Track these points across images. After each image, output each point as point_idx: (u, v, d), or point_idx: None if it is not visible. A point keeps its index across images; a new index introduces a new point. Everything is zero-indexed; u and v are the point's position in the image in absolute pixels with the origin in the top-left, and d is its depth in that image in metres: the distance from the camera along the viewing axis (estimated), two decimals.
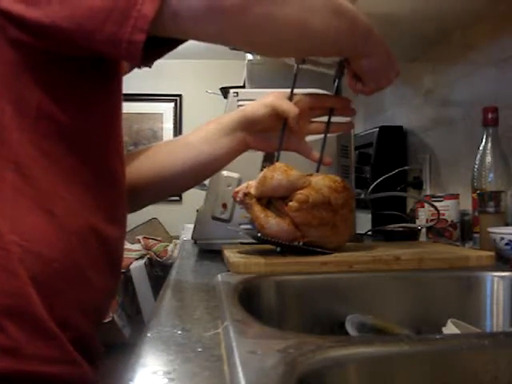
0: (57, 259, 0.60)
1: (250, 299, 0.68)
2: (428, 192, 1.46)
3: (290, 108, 0.84)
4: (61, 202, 0.61)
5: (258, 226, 0.84)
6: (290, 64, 0.88)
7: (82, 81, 0.63)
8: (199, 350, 0.43)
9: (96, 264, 0.65)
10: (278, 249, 0.88)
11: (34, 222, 0.59)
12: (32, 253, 0.58)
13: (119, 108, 0.70)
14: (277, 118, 0.85)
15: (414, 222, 1.26)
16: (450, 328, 0.67)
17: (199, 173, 0.87)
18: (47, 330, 0.59)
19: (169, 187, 0.88)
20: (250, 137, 0.86)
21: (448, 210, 1.13)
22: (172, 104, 4.22)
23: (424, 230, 1.19)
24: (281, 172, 0.84)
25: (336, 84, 0.88)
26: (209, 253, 1.09)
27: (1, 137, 0.58)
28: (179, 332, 0.49)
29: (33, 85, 0.59)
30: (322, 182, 0.85)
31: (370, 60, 0.75)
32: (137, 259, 3.23)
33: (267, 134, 0.87)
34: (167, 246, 3.44)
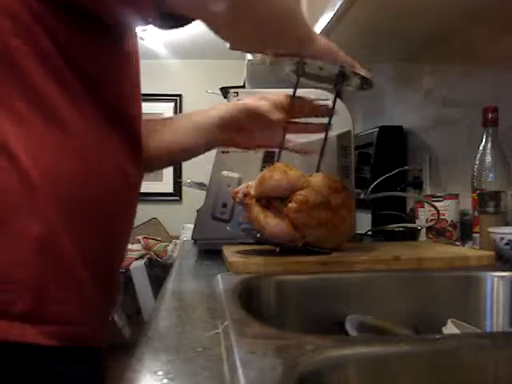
0: (88, 200, 0.61)
1: (250, 299, 0.68)
2: (428, 192, 1.46)
3: (259, 103, 0.88)
4: (91, 143, 0.63)
5: (257, 226, 0.84)
6: (291, 79, 0.90)
7: (94, 26, 0.64)
8: (199, 349, 0.43)
9: (123, 206, 0.69)
10: (277, 249, 0.88)
11: (63, 163, 0.60)
12: (61, 194, 0.59)
13: (134, 54, 0.71)
14: (253, 118, 0.88)
15: (414, 222, 1.26)
16: (450, 328, 0.67)
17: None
18: (74, 273, 0.60)
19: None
20: (222, 135, 0.89)
21: (448, 209, 1.13)
22: (172, 104, 4.22)
23: (424, 230, 1.19)
24: (280, 172, 0.84)
25: (335, 94, 0.90)
26: (209, 253, 1.09)
27: (26, 82, 0.58)
28: (179, 332, 0.49)
29: (49, 27, 0.59)
30: (322, 183, 0.85)
31: (317, 41, 0.78)
32: (137, 259, 3.23)
33: (251, 133, 0.91)
34: (167, 245, 3.44)
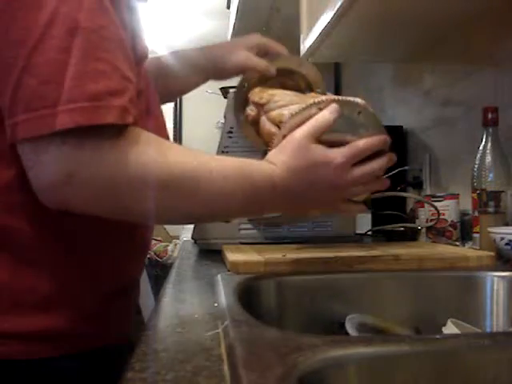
0: None
1: (250, 299, 0.68)
2: (428, 192, 1.46)
3: (261, 64, 0.92)
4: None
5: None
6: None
7: None
8: (199, 349, 0.43)
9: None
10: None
11: None
12: None
13: None
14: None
15: (414, 222, 1.26)
16: (450, 328, 0.67)
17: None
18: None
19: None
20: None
21: (448, 209, 1.13)
22: (172, 104, 4.22)
23: (424, 230, 1.19)
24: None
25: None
26: (209, 253, 1.09)
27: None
28: (179, 332, 0.49)
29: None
30: None
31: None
32: None
33: None
34: (167, 245, 3.43)
